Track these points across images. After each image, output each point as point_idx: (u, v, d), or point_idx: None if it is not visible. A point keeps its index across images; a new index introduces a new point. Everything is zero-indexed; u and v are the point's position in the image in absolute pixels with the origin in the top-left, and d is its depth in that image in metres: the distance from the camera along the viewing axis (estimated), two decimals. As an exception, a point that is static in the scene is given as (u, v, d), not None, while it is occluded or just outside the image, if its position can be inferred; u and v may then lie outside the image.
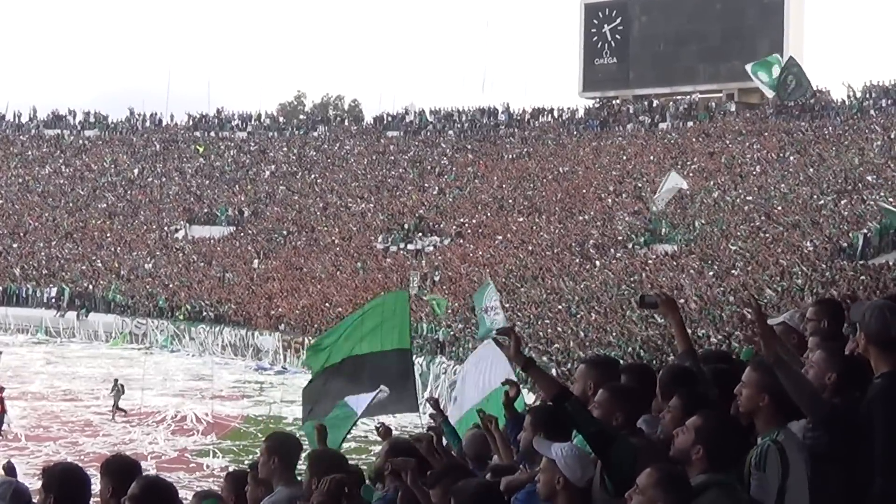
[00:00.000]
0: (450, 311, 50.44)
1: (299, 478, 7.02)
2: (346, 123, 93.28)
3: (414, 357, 47.40)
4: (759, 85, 59.07)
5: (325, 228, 73.49)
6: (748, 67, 40.62)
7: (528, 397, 32.35)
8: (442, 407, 11.16)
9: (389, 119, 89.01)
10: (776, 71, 35.56)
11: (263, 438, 7.18)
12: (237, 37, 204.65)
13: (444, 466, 6.86)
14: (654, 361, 32.17)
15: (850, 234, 43.29)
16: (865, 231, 42.93)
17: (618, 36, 79.34)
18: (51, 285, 71.78)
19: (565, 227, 61.14)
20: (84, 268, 73.85)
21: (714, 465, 5.31)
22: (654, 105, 77.48)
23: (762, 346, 5.55)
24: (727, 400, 6.12)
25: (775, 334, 5.60)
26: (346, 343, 13.84)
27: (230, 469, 16.36)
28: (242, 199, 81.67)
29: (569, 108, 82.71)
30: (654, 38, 77.67)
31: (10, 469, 7.57)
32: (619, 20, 79.25)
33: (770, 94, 64.43)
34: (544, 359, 39.39)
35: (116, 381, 42.14)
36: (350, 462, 7.44)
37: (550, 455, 5.77)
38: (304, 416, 14.23)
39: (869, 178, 51.77)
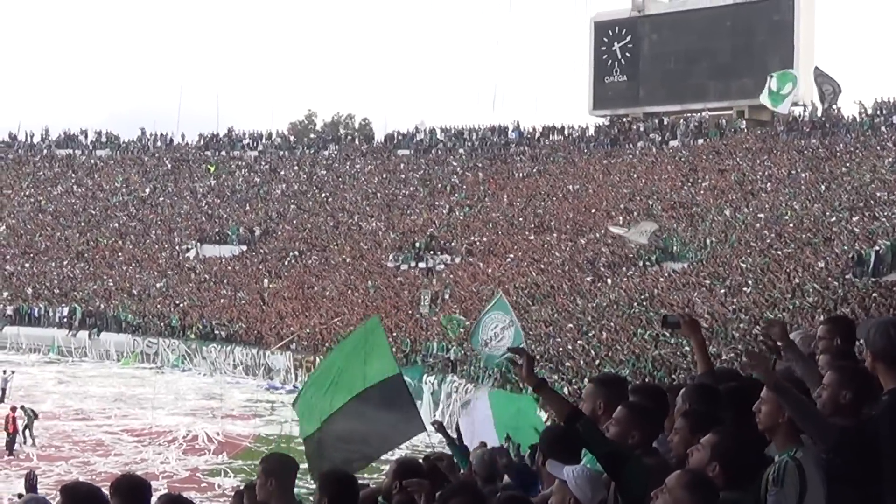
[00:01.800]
0: (462, 329, 50.41)
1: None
2: (357, 142, 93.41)
3: (425, 376, 47.21)
4: (764, 94, 58.93)
5: (336, 247, 73.54)
6: (769, 75, 40.32)
7: (541, 415, 32.31)
8: (449, 429, 11.16)
9: (400, 137, 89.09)
10: (788, 87, 35.74)
11: (259, 461, 7.17)
12: (248, 56, 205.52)
13: (454, 485, 6.86)
14: (666, 380, 32.11)
15: (863, 252, 43.17)
16: (877, 248, 42.81)
17: (628, 54, 79.42)
18: (63, 305, 71.87)
19: (576, 245, 61.10)
20: (96, 287, 73.97)
21: (730, 483, 5.31)
22: (665, 123, 77.48)
23: (761, 374, 5.53)
24: (742, 419, 6.10)
25: (770, 365, 5.56)
26: (335, 394, 13.57)
27: (238, 488, 16.33)
28: (253, 218, 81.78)
29: (579, 126, 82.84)
30: (664, 56, 77.72)
31: (31, 480, 7.57)
32: (628, 38, 79.34)
33: (767, 104, 64.80)
34: (555, 377, 39.36)
35: (23, 406, 40.42)
36: (360, 482, 7.43)
37: (562, 476, 5.78)
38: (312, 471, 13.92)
39: (880, 194, 51.65)
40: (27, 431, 39.39)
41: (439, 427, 10.68)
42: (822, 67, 67.97)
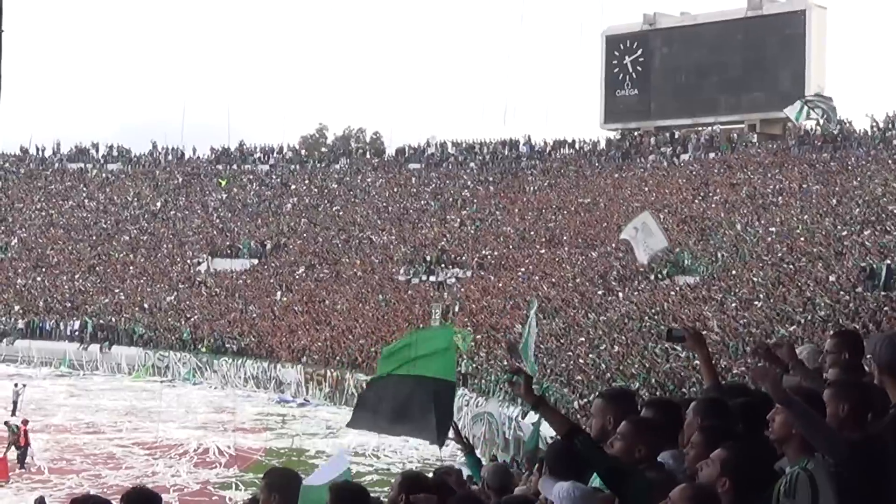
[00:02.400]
0: (473, 342, 50.40)
1: None
2: (368, 156, 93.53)
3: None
4: (793, 109, 58.63)
5: (348, 261, 73.58)
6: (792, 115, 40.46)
7: (550, 430, 32.37)
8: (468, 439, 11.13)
9: (411, 151, 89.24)
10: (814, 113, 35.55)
11: (262, 475, 7.16)
12: (259, 70, 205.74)
13: (459, 496, 6.89)
14: (678, 393, 32.07)
15: (874, 266, 43.07)
16: (889, 262, 42.71)
17: (639, 67, 79.44)
18: (74, 318, 72.04)
19: (587, 259, 61.06)
20: (107, 301, 74.10)
21: (740, 497, 5.31)
22: (676, 136, 77.47)
23: (769, 389, 5.53)
24: (752, 433, 6.10)
25: (778, 377, 5.55)
26: (393, 361, 13.83)
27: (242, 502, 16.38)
28: (265, 231, 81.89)
29: (590, 140, 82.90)
30: (675, 70, 77.73)
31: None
32: (640, 51, 79.36)
33: (792, 117, 64.41)
34: (566, 391, 39.34)
35: (7, 422, 39.04)
36: (373, 496, 7.43)
37: (550, 496, 5.81)
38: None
39: (892, 208, 51.51)
40: (13, 447, 38.40)
41: (456, 433, 10.66)
42: (833, 82, 67.79)
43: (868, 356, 5.64)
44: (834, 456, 5.29)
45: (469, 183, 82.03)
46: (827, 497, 5.28)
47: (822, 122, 60.02)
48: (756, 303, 43.57)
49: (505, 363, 44.95)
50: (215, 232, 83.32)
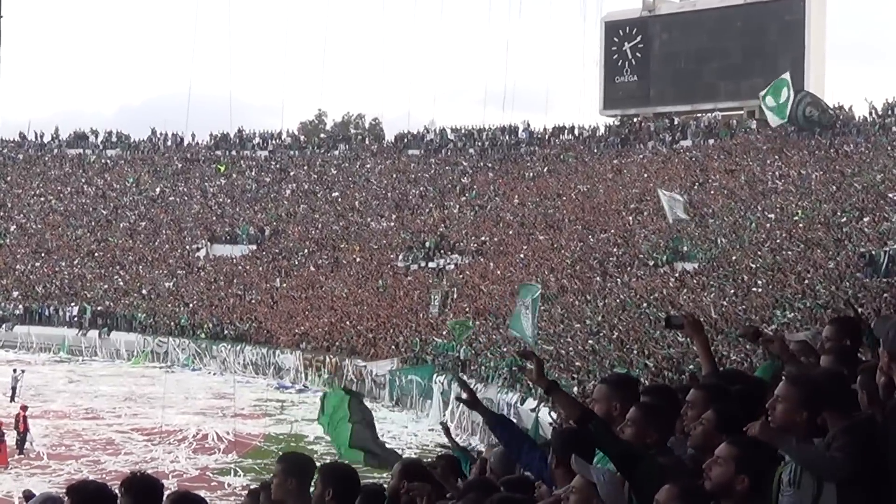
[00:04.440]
0: (469, 332, 50.37)
1: None
2: (367, 142, 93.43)
3: (435, 375, 47.39)
4: (767, 113, 59.26)
5: (346, 247, 73.56)
6: (761, 95, 40.77)
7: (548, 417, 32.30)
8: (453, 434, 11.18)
9: (410, 137, 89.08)
10: (784, 94, 35.92)
11: (276, 460, 7.14)
12: (258, 56, 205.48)
13: (474, 480, 6.88)
14: (676, 378, 32.04)
15: (874, 252, 43.05)
16: (887, 248, 42.69)
17: (638, 54, 79.29)
18: (73, 304, 72.04)
19: (586, 246, 61.01)
20: (106, 286, 74.09)
21: (756, 491, 5.27)
22: (675, 123, 77.34)
23: (767, 440, 5.45)
24: (750, 419, 6.07)
25: (773, 431, 5.48)
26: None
27: (251, 487, 16.38)
28: (263, 217, 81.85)
29: (590, 126, 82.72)
30: (674, 56, 77.59)
31: (29, 497, 7.57)
32: (639, 38, 79.21)
33: (776, 121, 64.47)
34: (565, 377, 39.33)
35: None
36: (372, 481, 7.44)
37: (591, 478, 5.71)
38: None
39: (891, 195, 51.47)
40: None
41: (445, 431, 10.71)
42: (833, 68, 67.86)
43: (867, 339, 5.58)
44: (834, 479, 5.21)
45: (468, 169, 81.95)
46: (830, 486, 5.25)
47: (816, 118, 60.40)
48: (755, 289, 43.56)
49: (504, 349, 44.98)
50: (214, 218, 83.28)
